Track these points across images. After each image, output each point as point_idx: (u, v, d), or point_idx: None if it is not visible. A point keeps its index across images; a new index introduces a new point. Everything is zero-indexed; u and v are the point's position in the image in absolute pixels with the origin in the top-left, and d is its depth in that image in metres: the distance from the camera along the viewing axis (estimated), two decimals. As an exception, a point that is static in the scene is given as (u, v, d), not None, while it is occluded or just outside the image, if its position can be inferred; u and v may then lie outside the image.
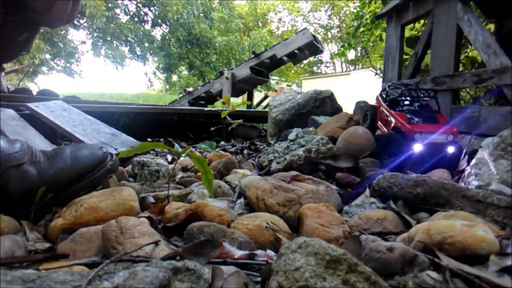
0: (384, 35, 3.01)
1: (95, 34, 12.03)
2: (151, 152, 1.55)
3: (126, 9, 12.05)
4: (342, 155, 1.09)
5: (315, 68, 21.96)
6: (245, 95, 5.88)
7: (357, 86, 12.18)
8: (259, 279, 0.42)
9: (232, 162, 1.10)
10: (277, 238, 0.56)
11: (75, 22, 10.96)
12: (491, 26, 2.06)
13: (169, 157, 1.40)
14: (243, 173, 1.03)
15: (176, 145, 0.79)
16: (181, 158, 1.33)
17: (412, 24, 2.61)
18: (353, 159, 1.07)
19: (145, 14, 12.09)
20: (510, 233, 0.53)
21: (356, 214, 0.70)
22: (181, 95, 5.79)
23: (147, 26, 12.35)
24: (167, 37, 12.03)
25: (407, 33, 2.30)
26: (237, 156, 1.44)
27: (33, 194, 0.62)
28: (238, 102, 6.09)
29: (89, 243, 0.52)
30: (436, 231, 0.48)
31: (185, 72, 15.02)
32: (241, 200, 0.79)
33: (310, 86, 14.03)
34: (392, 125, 1.14)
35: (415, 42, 1.87)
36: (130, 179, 1.00)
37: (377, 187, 0.80)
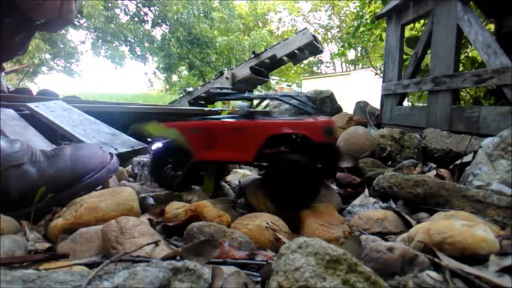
0: (383, 35, 3.01)
1: (95, 34, 12.04)
2: (151, 152, 1.54)
3: (126, 9, 12.06)
4: (342, 155, 1.09)
5: (315, 68, 21.96)
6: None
7: (357, 86, 12.18)
8: (259, 279, 0.42)
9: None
10: (277, 238, 0.56)
11: (75, 22, 10.96)
12: (491, 26, 2.06)
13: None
14: (243, 173, 1.03)
15: None
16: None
17: (412, 24, 2.61)
18: (353, 159, 1.07)
19: (145, 14, 12.10)
20: (510, 233, 0.53)
21: (356, 214, 0.70)
22: (181, 95, 5.79)
23: (147, 26, 12.35)
24: (167, 37, 12.03)
25: (407, 33, 2.30)
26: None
27: (33, 194, 0.62)
28: (238, 102, 6.09)
29: (89, 243, 0.52)
30: (436, 231, 0.48)
31: (185, 72, 15.03)
32: (241, 200, 0.79)
33: (310, 86, 14.03)
34: None
35: (415, 42, 1.87)
36: (130, 179, 1.01)
37: (377, 187, 0.81)
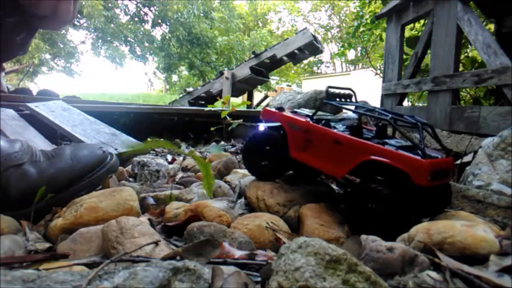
0: (383, 35, 3.02)
1: (95, 34, 12.05)
2: (152, 152, 1.55)
3: (126, 9, 12.06)
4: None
5: (315, 68, 21.97)
6: (245, 95, 5.88)
7: (357, 86, 12.15)
8: (259, 279, 0.42)
9: (232, 162, 1.10)
10: (277, 238, 0.57)
11: (75, 22, 10.96)
12: (491, 26, 2.06)
13: (169, 157, 1.40)
14: (243, 173, 1.02)
15: (183, 147, 0.79)
16: (181, 158, 1.33)
17: (412, 24, 2.61)
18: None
19: (145, 14, 12.10)
20: (510, 233, 0.53)
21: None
22: (181, 95, 5.80)
23: (147, 26, 12.36)
24: (167, 37, 12.03)
25: (407, 33, 2.30)
26: (237, 156, 1.44)
27: (33, 194, 0.62)
28: (238, 102, 6.10)
29: (89, 243, 0.52)
30: (436, 231, 0.48)
31: (185, 72, 15.02)
32: (241, 200, 0.79)
33: (310, 86, 14.02)
34: None
35: (415, 42, 1.87)
36: (130, 179, 1.01)
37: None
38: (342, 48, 5.09)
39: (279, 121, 0.77)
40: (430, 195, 0.60)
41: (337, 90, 0.73)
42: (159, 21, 11.89)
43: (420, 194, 0.57)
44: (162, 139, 0.67)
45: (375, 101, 2.43)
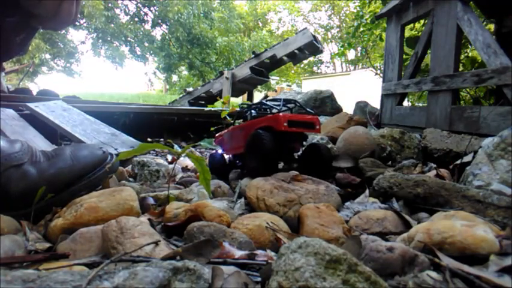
0: (384, 35, 3.01)
1: (95, 34, 12.05)
2: (151, 152, 1.55)
3: (126, 9, 12.07)
4: (342, 155, 1.09)
5: (315, 68, 21.96)
6: (245, 95, 5.88)
7: (357, 86, 12.18)
8: (259, 279, 0.42)
9: (232, 162, 1.10)
10: (277, 238, 0.56)
11: (76, 23, 10.95)
12: (492, 26, 2.06)
13: (169, 157, 1.40)
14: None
15: (176, 146, 0.79)
16: (182, 158, 1.33)
17: (412, 24, 2.61)
18: (353, 159, 1.07)
19: (145, 14, 12.10)
20: (510, 233, 0.53)
21: (356, 211, 0.70)
22: (181, 95, 5.80)
23: (147, 26, 12.36)
24: (167, 37, 12.03)
25: (407, 33, 2.30)
26: (237, 156, 1.43)
27: (33, 194, 0.62)
28: (238, 102, 6.09)
29: (89, 243, 0.52)
30: (436, 231, 0.48)
31: (185, 72, 15.02)
32: (241, 200, 0.79)
33: (310, 86, 14.01)
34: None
35: (415, 42, 1.87)
36: (130, 179, 1.01)
37: (377, 187, 0.80)
38: (342, 48, 5.09)
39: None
40: (289, 138, 0.91)
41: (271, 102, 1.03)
42: (159, 21, 11.88)
43: (283, 136, 0.87)
44: (161, 139, 0.68)
45: (375, 101, 2.43)
